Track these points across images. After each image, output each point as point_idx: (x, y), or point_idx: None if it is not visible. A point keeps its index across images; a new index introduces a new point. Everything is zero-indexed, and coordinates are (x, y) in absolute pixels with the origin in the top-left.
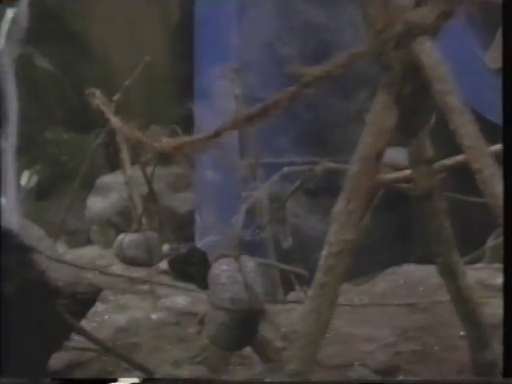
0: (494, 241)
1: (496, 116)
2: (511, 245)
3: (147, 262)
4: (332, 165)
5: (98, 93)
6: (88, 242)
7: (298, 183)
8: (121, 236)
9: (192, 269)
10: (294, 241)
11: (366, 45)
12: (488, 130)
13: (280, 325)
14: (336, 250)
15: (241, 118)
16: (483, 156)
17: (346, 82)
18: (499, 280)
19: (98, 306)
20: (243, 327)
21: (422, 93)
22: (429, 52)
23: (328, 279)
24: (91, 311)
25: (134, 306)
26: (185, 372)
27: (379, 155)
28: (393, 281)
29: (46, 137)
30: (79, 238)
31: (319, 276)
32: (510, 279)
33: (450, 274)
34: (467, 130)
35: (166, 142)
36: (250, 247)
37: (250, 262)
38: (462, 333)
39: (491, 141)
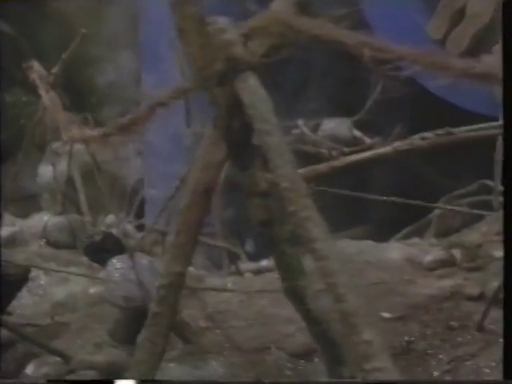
0: (437, 214)
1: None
2: (511, 244)
3: (71, 246)
4: None
5: (35, 66)
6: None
7: None
8: (45, 218)
9: (107, 255)
10: (235, 212)
11: (190, 81)
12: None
13: (206, 304)
14: (167, 281)
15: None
16: (300, 197)
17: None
18: (429, 257)
19: (42, 279)
20: (138, 324)
21: (250, 128)
22: (251, 89)
23: (161, 309)
24: (35, 284)
25: (74, 280)
26: (101, 356)
27: (208, 189)
28: None
29: (6, 99)
30: (33, 205)
31: (152, 306)
32: (509, 279)
33: (296, 298)
34: (285, 171)
35: (76, 132)
36: None
37: (143, 260)
38: (384, 314)
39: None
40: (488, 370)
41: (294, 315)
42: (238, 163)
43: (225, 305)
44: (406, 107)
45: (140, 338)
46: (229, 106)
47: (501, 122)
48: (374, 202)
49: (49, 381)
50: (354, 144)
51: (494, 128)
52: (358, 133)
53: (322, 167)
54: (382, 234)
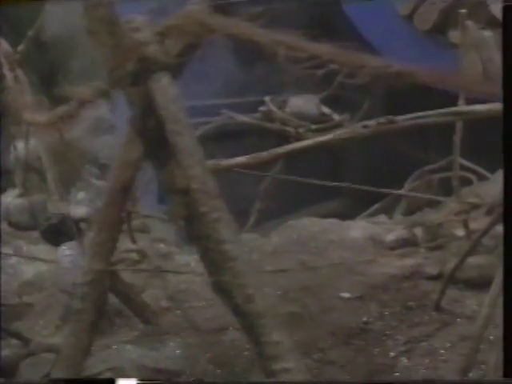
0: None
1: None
2: (511, 244)
3: (32, 227)
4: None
5: (2, 43)
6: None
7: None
8: (8, 200)
9: (63, 238)
10: None
11: (104, 82)
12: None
13: (169, 283)
14: (89, 278)
15: None
16: (210, 199)
17: None
18: (390, 237)
19: (12, 258)
20: None
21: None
22: (163, 90)
23: (84, 306)
24: (7, 263)
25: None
26: (59, 339)
27: (125, 187)
28: (287, 236)
29: None
30: (9, 181)
31: (75, 303)
32: (509, 278)
33: (223, 293)
34: (195, 171)
35: (27, 116)
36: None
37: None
38: (343, 294)
39: None
40: (443, 351)
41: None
42: (155, 162)
43: (186, 284)
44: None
45: (64, 333)
46: (143, 105)
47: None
48: (346, 176)
49: (49, 380)
50: (322, 121)
51: (442, 115)
52: (326, 109)
53: (265, 155)
54: (354, 209)
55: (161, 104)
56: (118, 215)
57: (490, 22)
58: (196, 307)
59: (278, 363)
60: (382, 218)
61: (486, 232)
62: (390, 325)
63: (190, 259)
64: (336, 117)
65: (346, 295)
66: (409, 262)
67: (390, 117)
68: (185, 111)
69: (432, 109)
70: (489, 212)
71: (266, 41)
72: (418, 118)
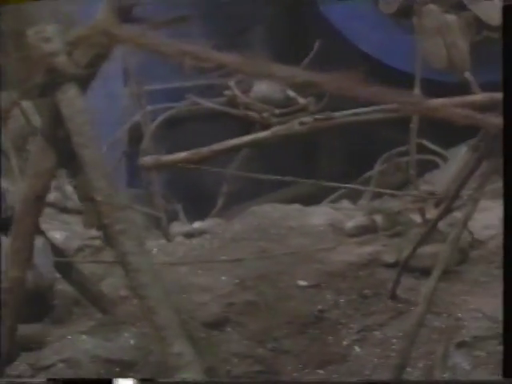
0: (377, 171)
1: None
2: (511, 243)
3: None
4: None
5: None
6: None
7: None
8: None
9: None
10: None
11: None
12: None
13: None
14: (7, 286)
15: None
16: (114, 211)
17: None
18: (350, 223)
19: None
20: (33, 305)
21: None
22: (69, 102)
23: (4, 313)
24: None
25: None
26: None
27: (39, 197)
28: (248, 223)
29: None
30: None
31: None
32: (509, 278)
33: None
34: (100, 184)
35: None
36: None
37: (37, 241)
38: (300, 282)
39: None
40: (395, 340)
41: (210, 284)
42: (69, 170)
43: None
44: (342, 66)
45: None
46: (52, 116)
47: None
48: (320, 157)
49: (48, 379)
50: (287, 105)
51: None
52: (292, 93)
53: (205, 150)
54: (323, 193)
55: (67, 116)
56: (32, 224)
57: (455, 6)
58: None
59: (180, 374)
60: (346, 203)
61: (435, 222)
62: (346, 313)
63: (154, 245)
64: (301, 100)
65: (303, 283)
66: (367, 249)
67: (328, 113)
68: (89, 124)
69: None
70: (438, 203)
71: (171, 51)
72: (358, 114)
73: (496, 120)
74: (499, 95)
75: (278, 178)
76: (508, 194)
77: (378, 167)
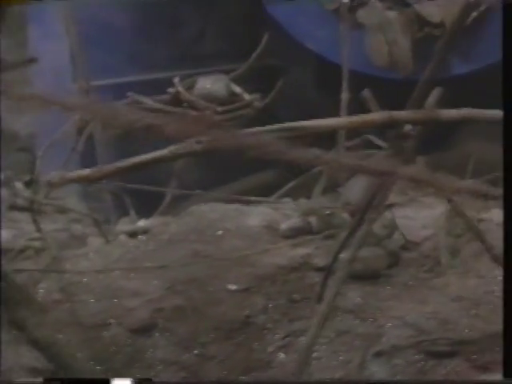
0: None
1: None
2: (511, 244)
3: None
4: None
5: None
6: None
7: None
8: None
9: None
10: None
11: None
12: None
13: (63, 275)
14: None
15: None
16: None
17: None
18: (284, 225)
19: None
20: None
21: None
22: None
23: None
24: None
25: None
26: None
27: None
28: (185, 223)
29: None
30: None
31: None
32: (509, 278)
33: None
34: None
35: None
36: None
37: None
38: (230, 286)
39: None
40: (317, 346)
41: (142, 288)
42: None
43: (79, 276)
44: (288, 62)
45: None
46: None
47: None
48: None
49: (44, 379)
50: (232, 101)
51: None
52: (237, 89)
53: (107, 168)
54: (267, 189)
55: None
56: None
57: (397, 3)
58: (84, 301)
59: None
60: (287, 201)
61: (352, 232)
62: (273, 318)
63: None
64: (247, 96)
65: (233, 287)
66: (300, 252)
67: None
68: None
69: None
70: (352, 213)
71: None
72: (262, 132)
73: None
74: (399, 113)
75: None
76: (508, 194)
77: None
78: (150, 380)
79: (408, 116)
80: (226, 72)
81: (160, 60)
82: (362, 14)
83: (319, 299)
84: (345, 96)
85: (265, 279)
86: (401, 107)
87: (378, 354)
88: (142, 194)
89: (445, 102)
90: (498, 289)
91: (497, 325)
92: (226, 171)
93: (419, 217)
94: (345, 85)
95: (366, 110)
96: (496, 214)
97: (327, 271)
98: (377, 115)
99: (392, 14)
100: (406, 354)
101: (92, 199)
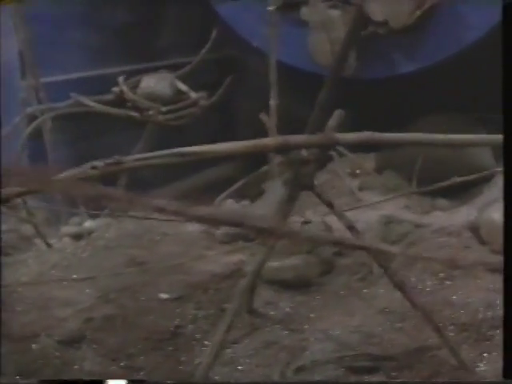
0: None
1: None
2: (511, 245)
3: None
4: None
5: None
6: None
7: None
8: None
9: None
10: None
11: None
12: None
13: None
14: None
15: None
16: None
17: None
18: (219, 231)
19: None
20: None
21: None
22: None
23: None
24: None
25: None
26: None
27: None
28: (124, 228)
29: None
30: None
31: None
32: (509, 278)
33: None
34: None
35: None
36: None
37: None
38: (162, 295)
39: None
40: (242, 360)
41: (73, 297)
42: None
43: (15, 286)
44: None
45: None
46: None
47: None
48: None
49: (41, 381)
50: (177, 100)
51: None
52: (184, 87)
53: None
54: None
55: None
56: None
57: (341, 1)
58: (18, 311)
59: None
60: (231, 203)
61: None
62: (202, 329)
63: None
64: (193, 95)
65: (165, 296)
66: (234, 258)
67: (117, 157)
68: None
69: None
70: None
71: None
72: (148, 158)
73: None
74: (295, 138)
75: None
76: (508, 194)
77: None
78: (144, 381)
79: (304, 140)
80: (178, 67)
81: (110, 56)
82: (305, 12)
83: (249, 309)
84: (273, 103)
85: (197, 287)
86: (346, 105)
87: (299, 370)
88: None
89: (391, 103)
90: (425, 300)
91: (420, 341)
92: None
93: (362, 219)
94: (273, 92)
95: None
96: (438, 218)
97: (253, 280)
98: (272, 140)
99: (335, 13)
100: (326, 370)
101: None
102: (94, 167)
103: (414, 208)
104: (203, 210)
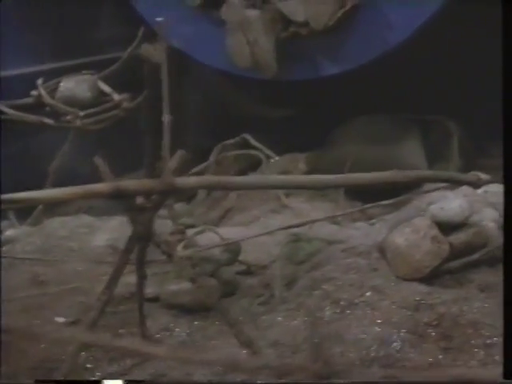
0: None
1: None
2: (511, 245)
3: None
4: None
5: None
6: None
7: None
8: None
9: None
10: None
11: None
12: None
13: None
14: None
15: None
16: None
17: None
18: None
19: None
20: None
21: None
22: None
23: None
24: None
25: None
26: None
27: None
28: (31, 242)
29: None
30: None
31: None
32: (509, 278)
33: None
34: None
35: None
36: None
37: None
38: (57, 318)
39: None
40: None
41: None
42: None
43: None
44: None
45: None
46: None
47: None
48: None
49: (36, 381)
50: (98, 103)
51: None
52: (107, 88)
53: None
54: None
55: None
56: None
57: (260, 0)
58: None
59: None
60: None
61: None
62: (94, 358)
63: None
64: (116, 97)
65: (61, 320)
66: (134, 279)
67: None
68: None
69: None
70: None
71: None
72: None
73: None
74: (127, 184)
75: None
76: (508, 193)
77: (213, 157)
78: (143, 381)
79: (137, 186)
80: (104, 66)
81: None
82: (224, 11)
83: (144, 335)
84: (167, 118)
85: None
86: (269, 108)
87: None
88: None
89: (320, 105)
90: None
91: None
92: None
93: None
94: (166, 106)
95: None
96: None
97: (139, 303)
98: (105, 186)
99: (254, 13)
100: None
101: None
102: None
103: (342, 216)
104: None
